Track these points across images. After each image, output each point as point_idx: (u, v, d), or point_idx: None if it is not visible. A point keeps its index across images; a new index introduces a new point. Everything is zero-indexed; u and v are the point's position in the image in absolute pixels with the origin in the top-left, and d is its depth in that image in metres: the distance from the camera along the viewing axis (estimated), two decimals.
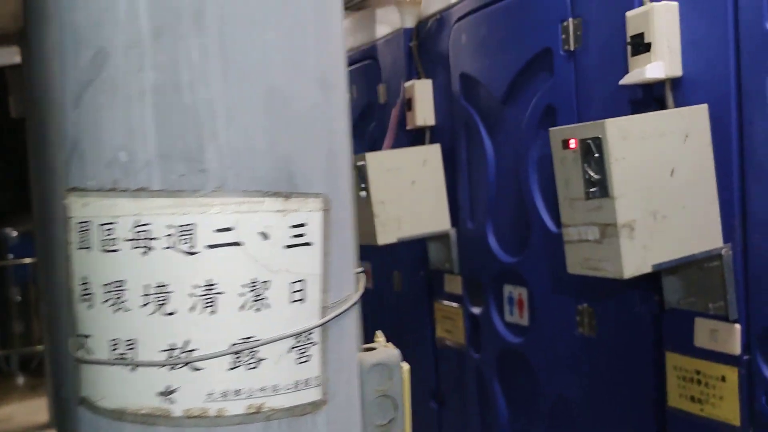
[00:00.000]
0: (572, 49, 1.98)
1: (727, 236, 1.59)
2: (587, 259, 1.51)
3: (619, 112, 1.80)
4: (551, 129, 1.57)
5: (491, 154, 2.38)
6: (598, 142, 1.44)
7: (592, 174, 1.45)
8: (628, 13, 1.71)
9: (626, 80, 1.70)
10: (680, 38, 1.67)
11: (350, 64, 3.40)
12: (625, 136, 1.44)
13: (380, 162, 2.52)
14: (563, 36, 2.00)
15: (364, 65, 3.17)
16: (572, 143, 1.50)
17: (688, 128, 1.54)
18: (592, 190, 1.46)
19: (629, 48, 1.71)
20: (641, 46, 1.68)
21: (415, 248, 2.82)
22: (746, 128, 1.56)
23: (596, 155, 1.44)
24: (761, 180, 1.54)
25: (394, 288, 3.08)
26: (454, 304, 2.69)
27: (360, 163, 2.50)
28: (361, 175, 2.51)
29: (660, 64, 1.65)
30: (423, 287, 2.88)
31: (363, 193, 2.51)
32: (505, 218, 2.35)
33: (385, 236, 2.50)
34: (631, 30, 1.70)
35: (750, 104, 1.54)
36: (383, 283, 3.18)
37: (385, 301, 3.18)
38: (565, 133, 1.52)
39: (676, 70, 1.67)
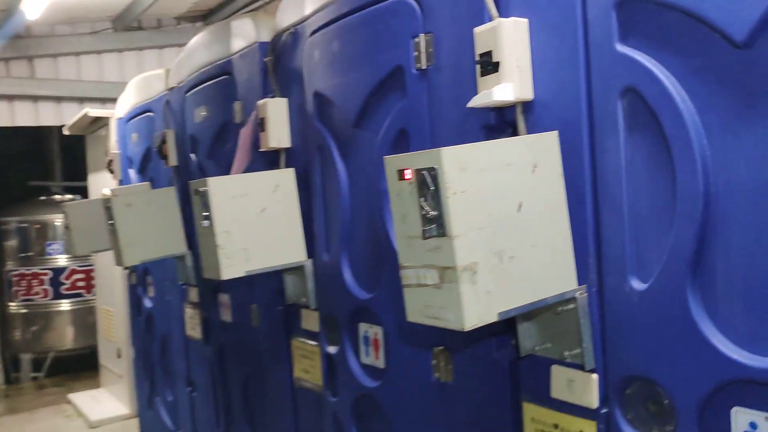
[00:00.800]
0: (424, 67, 1.81)
1: (582, 277, 1.45)
2: (427, 307, 1.32)
3: (471, 138, 1.64)
4: (386, 157, 1.37)
5: (345, 180, 2.18)
6: (434, 174, 1.25)
7: (428, 209, 1.26)
8: (476, 29, 1.55)
9: (473, 103, 1.54)
10: (531, 58, 1.52)
11: (206, 79, 3.14)
12: (464, 167, 1.26)
13: (225, 187, 2.27)
14: (415, 53, 1.83)
15: (221, 81, 2.91)
16: (408, 174, 1.31)
17: (536, 157, 1.39)
18: (428, 227, 1.27)
19: (478, 67, 1.55)
20: (490, 65, 1.52)
21: (272, 280, 2.58)
22: (598, 156, 1.42)
23: (432, 188, 1.25)
24: (615, 212, 1.40)
25: (252, 322, 2.82)
26: (312, 342, 2.46)
27: (202, 188, 2.24)
28: (203, 202, 2.24)
29: (509, 86, 1.49)
30: (280, 323, 2.64)
31: (206, 222, 2.25)
32: (360, 250, 2.15)
33: (231, 270, 2.24)
34: (480, 47, 1.55)
35: (601, 130, 1.41)
36: (242, 317, 2.91)
37: (244, 336, 2.92)
38: (399, 162, 1.33)
39: (527, 93, 1.52)
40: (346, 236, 2.18)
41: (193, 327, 3.38)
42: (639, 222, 1.36)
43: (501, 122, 1.64)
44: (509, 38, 1.49)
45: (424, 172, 1.26)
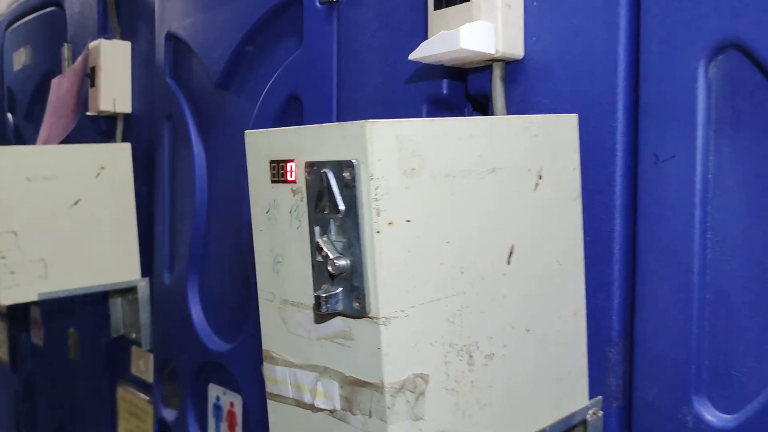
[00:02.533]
0: None
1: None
2: None
3: (406, 116, 0.98)
4: (247, 132, 0.68)
5: (202, 168, 1.45)
6: (349, 174, 0.58)
7: (329, 251, 0.59)
8: None
9: (419, 53, 0.86)
10: None
11: (28, 11, 2.31)
12: (415, 167, 0.59)
13: (18, 164, 1.49)
14: None
15: (46, 15, 2.10)
16: (291, 171, 0.63)
17: (541, 159, 0.73)
18: (328, 292, 0.59)
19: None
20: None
21: (96, 298, 1.82)
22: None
23: (342, 206, 0.58)
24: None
25: (70, 354, 2.04)
26: (143, 396, 1.72)
27: None
28: None
29: (488, 27, 0.83)
30: (104, 360, 1.88)
31: None
32: (219, 275, 1.43)
33: (15, 291, 1.46)
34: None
35: (656, 118, 0.78)
36: (56, 343, 2.12)
37: (59, 370, 2.12)
38: (274, 143, 0.65)
39: (515, 46, 0.86)
40: (199, 252, 1.45)
41: None
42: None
43: (458, 93, 0.99)
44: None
45: (326, 171, 0.58)
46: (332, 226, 0.58)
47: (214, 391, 1.43)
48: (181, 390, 1.52)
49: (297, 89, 1.20)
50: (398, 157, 0.57)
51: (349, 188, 0.56)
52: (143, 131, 1.67)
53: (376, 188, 0.55)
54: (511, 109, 0.88)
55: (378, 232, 0.55)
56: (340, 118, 1.12)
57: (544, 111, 0.85)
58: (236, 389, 1.37)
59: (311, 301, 0.61)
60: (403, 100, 1.02)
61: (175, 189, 1.54)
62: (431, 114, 1.00)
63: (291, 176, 0.62)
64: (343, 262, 0.57)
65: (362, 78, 1.08)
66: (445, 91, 0.97)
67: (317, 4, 1.15)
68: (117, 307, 1.72)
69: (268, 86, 1.25)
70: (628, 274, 0.79)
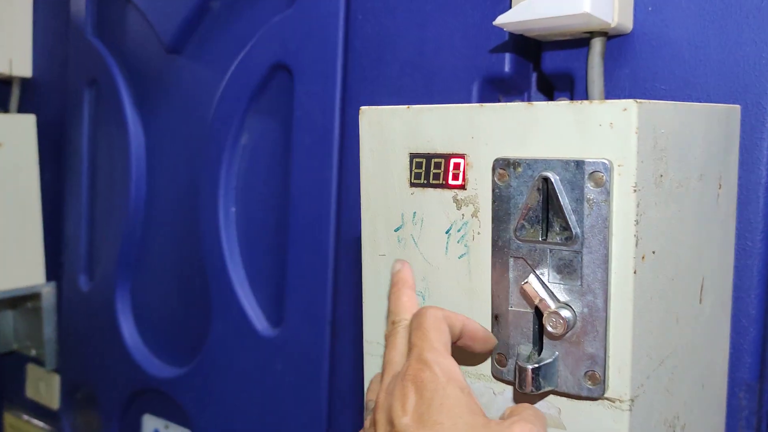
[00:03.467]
0: None
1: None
2: None
3: (450, 101, 0.79)
4: (363, 109, 0.46)
5: (139, 151, 1.16)
6: (599, 186, 0.37)
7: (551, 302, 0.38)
8: None
9: (510, 18, 0.67)
10: None
11: None
12: (663, 174, 0.39)
13: None
14: None
15: None
16: (459, 171, 0.41)
17: (728, 158, 0.56)
18: (535, 363, 0.38)
19: None
20: None
21: None
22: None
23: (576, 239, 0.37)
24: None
25: None
26: (41, 424, 1.40)
27: None
28: None
29: None
30: None
31: None
32: (160, 284, 1.16)
33: None
34: None
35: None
36: None
37: None
38: (431, 123, 0.42)
39: (625, 16, 0.69)
40: (132, 253, 1.17)
41: None
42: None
43: (523, 71, 0.80)
44: None
45: (549, 176, 0.37)
46: (549, 260, 0.37)
47: (151, 422, 1.16)
48: (103, 420, 1.23)
49: (285, 56, 0.96)
50: (653, 158, 0.37)
51: (595, 204, 0.36)
52: (51, 101, 1.34)
53: (638, 205, 0.35)
54: (612, 94, 0.71)
55: (635, 271, 0.36)
56: (350, 97, 0.90)
57: (656, 97, 0.68)
58: (184, 422, 1.11)
59: (486, 370, 0.40)
60: (446, 76, 0.82)
61: (97, 175, 1.25)
62: (484, 98, 0.80)
63: (456, 179, 0.40)
64: (569, 315, 0.37)
65: (384, 46, 0.87)
66: (507, 68, 0.78)
67: None
68: (7, 317, 1.39)
69: (244, 52, 1.00)
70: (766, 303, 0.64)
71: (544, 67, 0.76)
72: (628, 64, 0.70)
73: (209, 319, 1.04)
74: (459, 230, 0.41)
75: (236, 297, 1.00)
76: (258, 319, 0.99)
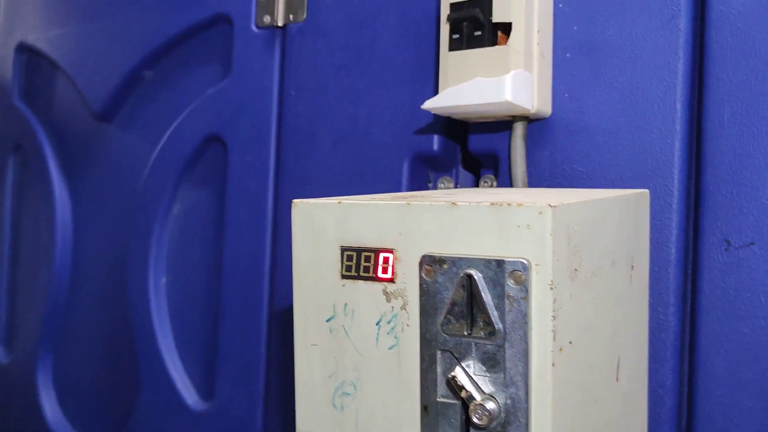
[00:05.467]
0: (280, 24, 0.93)
1: None
2: None
3: (381, 183, 0.82)
4: (295, 203, 0.47)
5: (65, 218, 1.14)
6: (517, 286, 0.39)
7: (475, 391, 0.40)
8: None
9: (437, 103, 0.70)
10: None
11: None
12: (578, 269, 0.42)
13: None
14: None
15: None
16: (387, 265, 0.43)
17: (636, 246, 0.60)
18: None
19: (445, 30, 0.72)
20: (479, 27, 0.70)
21: None
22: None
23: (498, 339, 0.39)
24: None
25: None
26: None
27: None
28: None
29: (526, 78, 0.69)
30: None
31: None
32: (90, 353, 1.13)
33: None
34: None
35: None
36: None
37: None
38: (354, 218, 0.44)
39: (545, 102, 0.73)
40: (56, 324, 1.14)
41: None
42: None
43: (450, 150, 0.83)
44: None
45: (472, 273, 0.39)
46: (474, 353, 0.39)
47: None
48: None
49: (219, 128, 0.97)
50: (567, 255, 0.40)
51: (515, 300, 0.38)
52: None
53: (554, 300, 0.38)
54: (533, 174, 0.75)
55: (553, 364, 0.38)
56: (283, 170, 0.91)
57: (577, 180, 0.72)
58: None
59: None
60: (378, 153, 0.84)
61: (20, 242, 1.21)
62: (414, 174, 0.83)
63: (385, 272, 0.42)
64: (493, 407, 0.38)
65: (317, 122, 0.89)
66: (435, 148, 0.81)
67: (253, 27, 0.95)
68: None
69: (177, 122, 1.00)
70: (682, 380, 0.68)
71: (471, 147, 0.79)
72: (548, 147, 0.74)
73: (137, 392, 1.02)
74: (389, 322, 0.42)
75: (165, 369, 0.98)
76: (188, 393, 0.97)
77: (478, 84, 0.67)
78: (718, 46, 0.67)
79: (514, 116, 0.74)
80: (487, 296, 0.38)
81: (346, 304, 0.44)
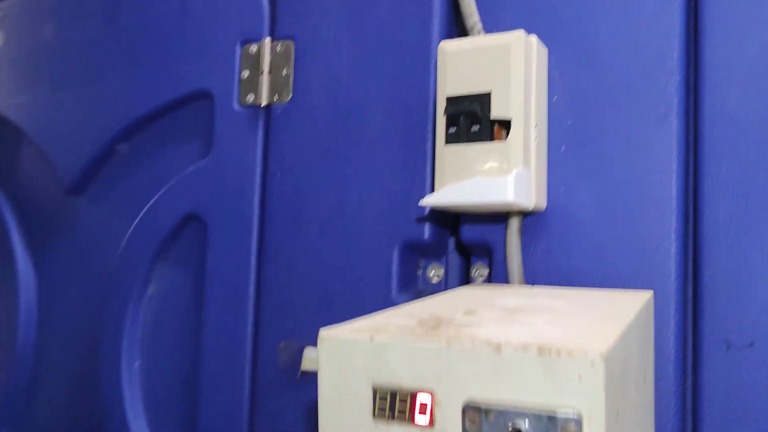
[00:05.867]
0: (264, 103, 0.91)
1: None
2: None
3: (374, 273, 0.81)
4: (323, 331, 0.45)
5: (30, 296, 1.09)
6: None
7: None
8: (448, 45, 0.73)
9: (436, 200, 0.70)
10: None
11: None
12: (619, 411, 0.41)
13: None
14: (243, 73, 0.93)
15: None
16: (425, 411, 0.41)
17: (647, 360, 0.59)
18: None
19: (442, 121, 0.72)
20: (478, 121, 0.71)
21: None
22: None
23: None
24: None
25: None
26: None
27: None
28: None
29: (526, 176, 0.69)
30: None
31: None
32: None
33: None
34: (457, 83, 0.72)
35: None
36: None
37: None
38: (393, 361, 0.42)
39: (541, 197, 0.73)
40: (15, 409, 1.08)
41: None
42: None
43: (441, 238, 0.83)
44: (531, 77, 0.71)
45: (520, 424, 0.38)
46: None
47: None
48: None
49: (199, 208, 0.94)
50: (614, 399, 0.39)
51: None
52: None
53: None
54: (528, 267, 0.75)
55: None
56: (267, 252, 0.89)
57: (573, 275, 0.72)
58: None
59: None
60: (366, 240, 0.83)
61: None
62: (404, 261, 0.82)
63: (423, 414, 0.41)
64: None
65: (303, 206, 0.87)
66: (427, 236, 0.80)
67: (235, 105, 0.93)
68: None
69: (154, 199, 0.97)
70: None
71: (463, 237, 0.79)
72: (543, 241, 0.74)
73: None
74: None
75: None
76: None
77: (480, 184, 0.67)
78: (711, 147, 0.68)
79: (510, 211, 0.74)
80: None
81: None
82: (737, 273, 0.66)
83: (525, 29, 0.75)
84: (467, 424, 0.39)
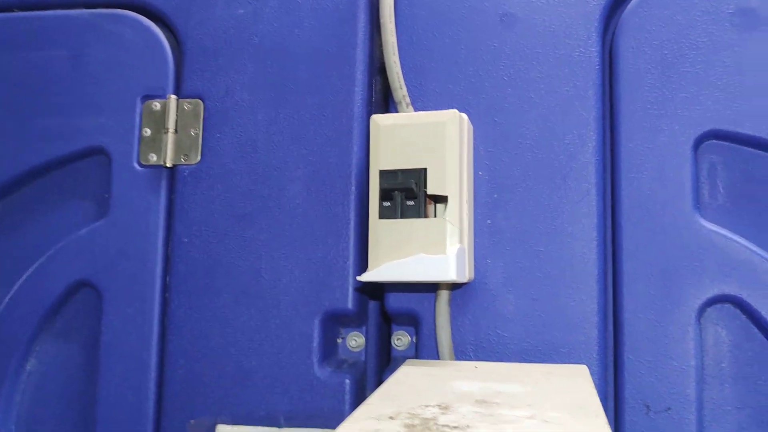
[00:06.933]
0: (169, 165, 0.86)
1: None
2: None
3: (292, 343, 0.78)
4: None
5: None
6: None
7: None
8: (380, 118, 0.73)
9: (374, 277, 0.69)
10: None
11: None
12: None
13: None
14: (144, 132, 0.87)
15: None
16: None
17: None
18: None
19: (375, 199, 0.72)
20: (413, 198, 0.71)
21: None
22: None
23: None
24: None
25: None
26: None
27: None
28: None
29: (462, 250, 0.70)
30: None
31: None
32: None
33: None
34: (392, 157, 0.72)
35: None
36: None
37: None
38: None
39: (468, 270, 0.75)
40: None
41: None
42: None
43: (363, 307, 0.82)
44: (464, 154, 0.72)
45: None
46: None
47: None
48: None
49: (92, 274, 0.86)
50: None
51: None
52: None
53: None
54: (457, 339, 0.75)
55: None
56: (173, 325, 0.83)
57: (502, 347, 0.74)
58: None
59: None
60: (285, 311, 0.80)
61: None
62: (325, 331, 0.80)
63: None
64: None
65: (215, 274, 0.83)
66: (351, 306, 0.79)
67: (135, 165, 0.87)
68: None
69: (38, 263, 0.88)
70: None
71: (388, 306, 0.78)
72: (471, 313, 0.75)
73: None
74: None
75: None
76: None
77: (422, 261, 0.67)
78: (629, 224, 0.73)
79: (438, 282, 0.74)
80: None
81: None
82: (656, 342, 0.71)
83: (449, 105, 0.77)
84: None
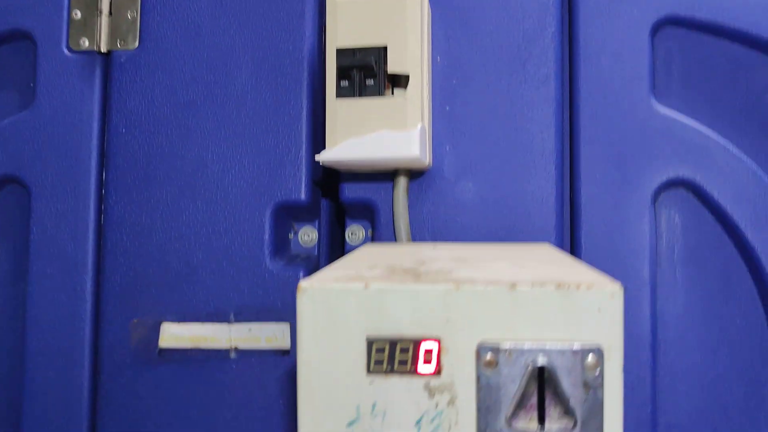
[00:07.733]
0: (104, 50, 0.80)
1: None
2: None
3: (247, 232, 0.74)
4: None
5: None
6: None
7: None
8: None
9: (330, 155, 0.66)
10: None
11: None
12: None
13: None
14: (75, 12, 0.80)
15: None
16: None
17: None
18: None
19: (332, 77, 0.68)
20: (372, 76, 0.68)
21: None
22: None
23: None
24: None
25: None
26: None
27: None
28: None
29: (420, 129, 0.68)
30: None
31: None
32: None
33: None
34: (349, 34, 0.69)
35: None
36: None
37: None
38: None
39: (425, 152, 0.73)
40: None
41: None
42: None
43: (316, 199, 0.79)
44: (425, 35, 0.69)
45: (540, 360, 0.37)
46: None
47: None
48: None
49: (18, 169, 0.80)
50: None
51: (592, 389, 0.37)
52: None
53: (623, 384, 0.37)
54: (415, 227, 0.74)
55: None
56: (111, 221, 0.78)
57: (461, 232, 0.73)
58: None
59: None
60: (234, 203, 0.76)
61: None
62: (277, 225, 0.77)
63: (427, 366, 0.38)
64: None
65: (157, 166, 0.78)
66: (304, 197, 0.76)
67: (65, 50, 0.80)
68: None
69: None
70: None
71: (343, 197, 0.76)
72: (430, 200, 0.74)
73: None
74: (433, 420, 0.38)
75: None
76: None
77: (385, 138, 0.64)
78: (587, 108, 0.73)
79: (397, 168, 0.72)
80: (565, 387, 0.36)
81: (374, 405, 0.38)
82: (612, 225, 0.71)
83: None
84: (483, 366, 0.37)
